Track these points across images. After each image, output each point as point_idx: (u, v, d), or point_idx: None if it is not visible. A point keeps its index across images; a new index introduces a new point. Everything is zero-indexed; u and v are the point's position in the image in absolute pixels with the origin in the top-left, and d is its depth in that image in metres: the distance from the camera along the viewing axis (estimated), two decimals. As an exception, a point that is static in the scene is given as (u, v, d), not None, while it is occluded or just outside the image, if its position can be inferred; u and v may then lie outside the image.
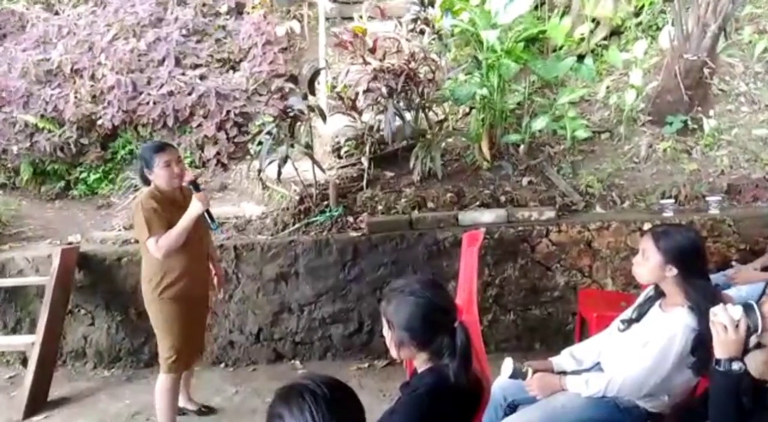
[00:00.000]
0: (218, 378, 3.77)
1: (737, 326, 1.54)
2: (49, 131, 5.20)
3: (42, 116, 5.22)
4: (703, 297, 1.98)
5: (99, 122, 5.20)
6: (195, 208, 2.73)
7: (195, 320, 2.93)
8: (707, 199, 3.90)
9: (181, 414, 3.16)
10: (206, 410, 3.30)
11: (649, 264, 2.09)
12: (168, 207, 2.76)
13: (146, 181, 2.87)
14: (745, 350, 1.56)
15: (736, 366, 1.55)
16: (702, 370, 1.96)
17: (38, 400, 3.49)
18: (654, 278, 2.11)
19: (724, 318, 1.56)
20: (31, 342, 3.59)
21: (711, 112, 4.52)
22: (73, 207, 5.20)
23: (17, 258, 4.06)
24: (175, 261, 2.76)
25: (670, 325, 2.01)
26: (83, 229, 4.58)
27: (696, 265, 2.07)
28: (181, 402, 3.17)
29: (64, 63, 5.39)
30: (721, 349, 1.58)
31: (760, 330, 1.54)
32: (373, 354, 3.84)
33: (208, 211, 2.82)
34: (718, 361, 1.58)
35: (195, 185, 2.82)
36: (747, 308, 1.57)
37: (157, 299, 2.79)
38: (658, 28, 5.08)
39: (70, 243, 4.21)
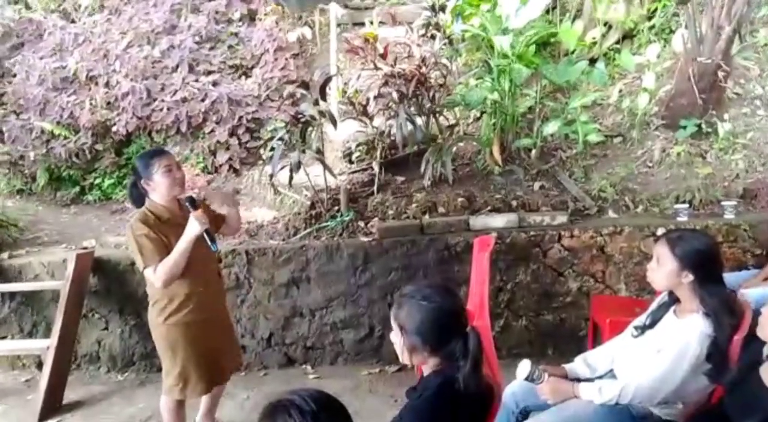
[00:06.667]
0: (229, 383, 3.74)
1: None
2: (65, 137, 5.28)
3: (58, 123, 5.30)
4: (719, 303, 1.96)
5: (113, 128, 5.27)
6: (192, 229, 2.44)
7: (208, 344, 2.64)
8: (722, 203, 3.85)
9: None
10: None
11: (664, 270, 2.06)
12: (163, 228, 2.49)
13: (139, 202, 2.61)
14: (759, 361, 1.53)
15: None
16: (717, 377, 1.93)
17: (53, 404, 3.53)
18: (669, 284, 2.09)
19: None
20: (46, 346, 3.63)
21: (725, 116, 4.47)
22: (88, 212, 5.27)
23: (34, 262, 4.11)
24: (179, 285, 2.52)
25: (684, 332, 1.99)
26: (98, 234, 4.64)
27: (712, 271, 2.04)
28: None
29: (80, 70, 5.48)
30: None
31: None
32: (384, 359, 3.83)
33: (207, 231, 2.47)
34: None
35: (191, 201, 2.49)
36: None
37: (161, 324, 2.59)
38: (671, 32, 5.05)
39: (84, 248, 4.26)
